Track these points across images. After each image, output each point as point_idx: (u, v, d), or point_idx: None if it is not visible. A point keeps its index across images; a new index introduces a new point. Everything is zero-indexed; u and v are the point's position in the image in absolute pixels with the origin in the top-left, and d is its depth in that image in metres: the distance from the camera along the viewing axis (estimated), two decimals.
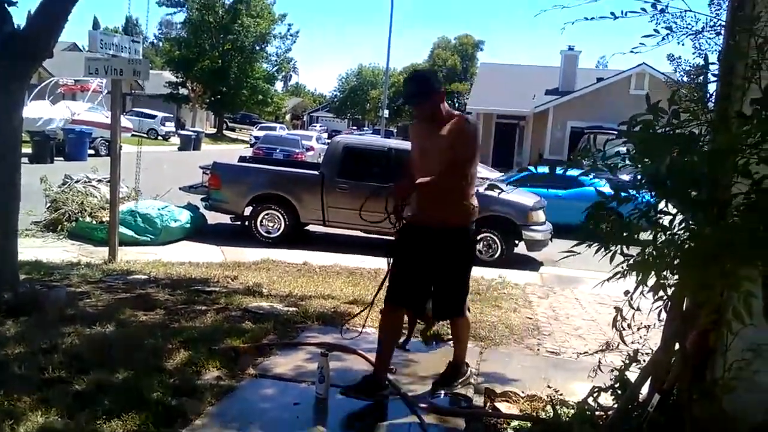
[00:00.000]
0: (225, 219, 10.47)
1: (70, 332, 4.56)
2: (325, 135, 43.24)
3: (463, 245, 3.90)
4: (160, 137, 37.71)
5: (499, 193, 9.64)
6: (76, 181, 10.46)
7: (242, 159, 11.92)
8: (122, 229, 8.22)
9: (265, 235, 9.92)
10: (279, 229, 9.92)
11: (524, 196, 9.91)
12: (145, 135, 21.31)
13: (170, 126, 40.12)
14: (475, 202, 3.88)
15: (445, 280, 3.90)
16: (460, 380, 4.06)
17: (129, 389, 3.61)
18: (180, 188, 11.19)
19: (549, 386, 3.74)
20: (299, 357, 4.45)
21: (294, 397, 3.81)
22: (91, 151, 22.59)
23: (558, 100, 29.42)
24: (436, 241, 3.77)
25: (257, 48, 48.25)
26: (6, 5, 5.22)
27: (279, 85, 62.01)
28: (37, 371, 3.82)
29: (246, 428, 3.36)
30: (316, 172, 10.15)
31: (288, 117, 73.76)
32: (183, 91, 45.96)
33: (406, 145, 12.67)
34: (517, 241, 9.60)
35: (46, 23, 5.40)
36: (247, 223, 10.10)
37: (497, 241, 9.40)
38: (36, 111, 21.67)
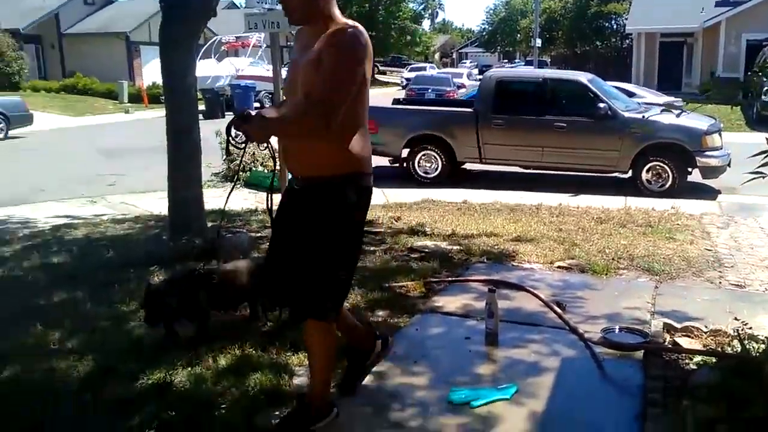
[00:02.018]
0: (383, 162, 10.71)
1: None
2: (476, 71, 42.35)
3: (327, 207, 2.72)
4: None
5: (678, 115, 8.96)
6: None
7: (396, 101, 11.98)
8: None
9: (423, 175, 10.03)
10: (436, 169, 9.98)
11: (697, 120, 9.17)
12: None
13: None
14: (359, 146, 2.80)
15: (300, 258, 2.72)
16: (316, 425, 2.82)
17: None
18: None
19: (736, 319, 3.52)
20: (466, 295, 4.52)
21: (464, 332, 3.90)
22: (257, 104, 23.83)
23: (731, 11, 26.65)
24: (297, 201, 2.80)
25: None
26: None
27: (426, 24, 61.43)
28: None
29: (421, 360, 3.50)
30: (470, 110, 10.03)
31: (437, 56, 73.00)
32: None
33: (562, 74, 12.23)
34: (690, 169, 8.97)
35: None
36: (405, 164, 10.26)
37: (668, 169, 8.83)
38: (205, 70, 23.11)
